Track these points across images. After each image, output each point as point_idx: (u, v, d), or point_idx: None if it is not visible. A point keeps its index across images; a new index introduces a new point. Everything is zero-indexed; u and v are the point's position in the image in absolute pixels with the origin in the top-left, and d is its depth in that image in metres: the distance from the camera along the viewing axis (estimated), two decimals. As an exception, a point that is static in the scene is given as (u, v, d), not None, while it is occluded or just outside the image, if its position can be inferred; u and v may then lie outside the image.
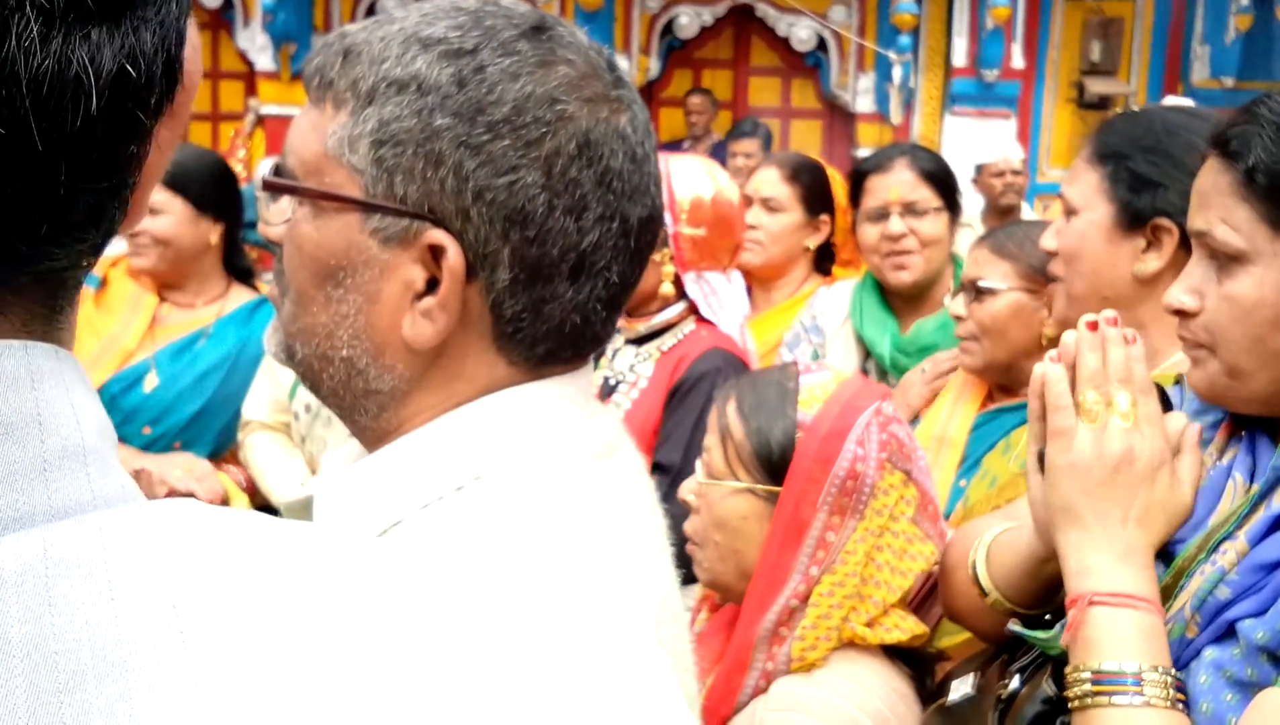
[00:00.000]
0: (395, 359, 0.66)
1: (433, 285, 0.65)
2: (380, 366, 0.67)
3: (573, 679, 0.35)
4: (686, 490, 1.19)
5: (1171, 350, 1.17)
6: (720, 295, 1.94)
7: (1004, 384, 1.75)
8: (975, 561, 1.07)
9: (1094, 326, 0.93)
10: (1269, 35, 6.76)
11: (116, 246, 3.37)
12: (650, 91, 7.41)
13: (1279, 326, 0.88)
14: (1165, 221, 1.26)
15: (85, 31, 0.31)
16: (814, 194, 2.38)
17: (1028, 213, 5.22)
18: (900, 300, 2.17)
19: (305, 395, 2.08)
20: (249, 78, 7.30)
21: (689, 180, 1.88)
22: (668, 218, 1.82)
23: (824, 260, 2.42)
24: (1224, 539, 0.87)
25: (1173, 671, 0.84)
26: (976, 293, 1.69)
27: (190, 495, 1.73)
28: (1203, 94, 6.46)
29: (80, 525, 0.32)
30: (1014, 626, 0.97)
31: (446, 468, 0.65)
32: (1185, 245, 1.25)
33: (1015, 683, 0.95)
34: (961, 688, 1.03)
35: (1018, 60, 6.99)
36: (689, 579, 1.25)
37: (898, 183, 2.10)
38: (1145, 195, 1.27)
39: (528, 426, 0.67)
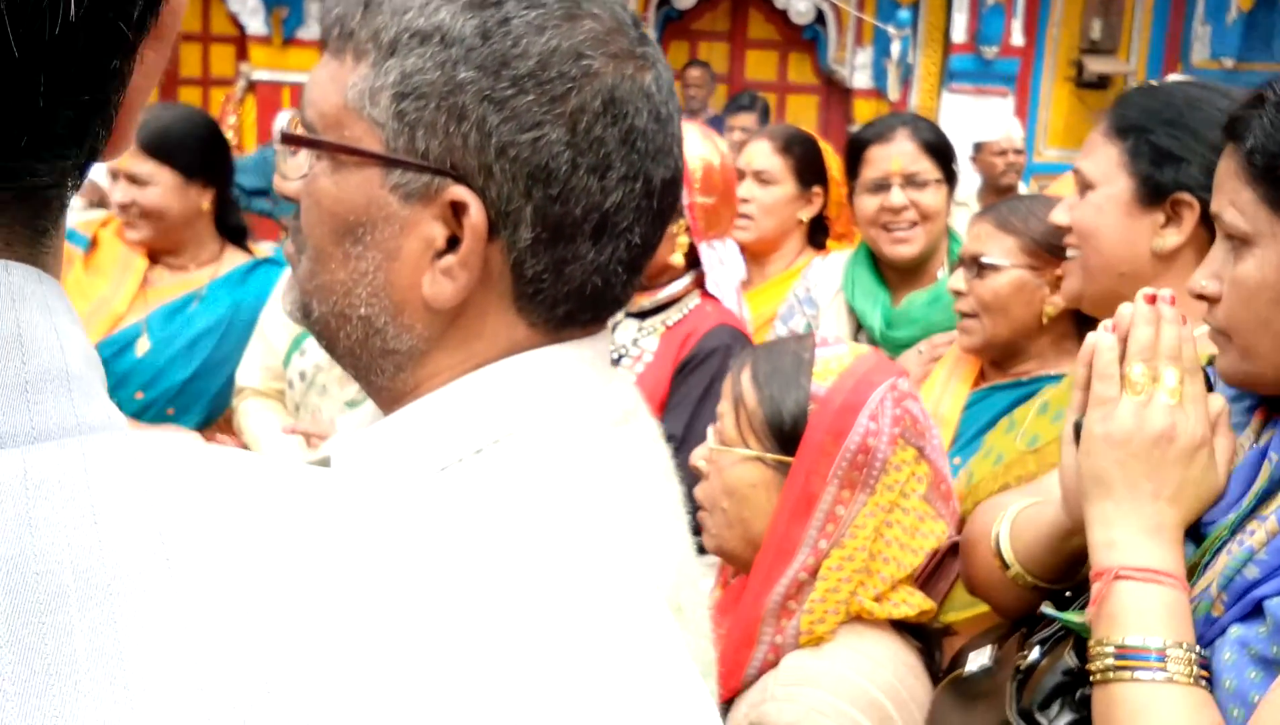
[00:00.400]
0: (414, 318, 0.65)
1: (453, 243, 0.64)
2: (399, 325, 0.66)
3: (580, 641, 0.35)
4: (697, 456, 1.19)
5: None
6: (726, 264, 1.93)
7: (998, 361, 1.74)
8: (999, 534, 1.06)
9: (1152, 300, 0.92)
10: (1270, 16, 6.75)
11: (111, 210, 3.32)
12: (646, 63, 7.34)
13: (1279, 307, 0.87)
14: (1186, 196, 1.24)
15: None
16: (806, 166, 2.38)
17: (1024, 192, 5.20)
18: (893, 273, 2.15)
19: (300, 363, 2.06)
20: (240, 42, 7.20)
21: (696, 148, 1.86)
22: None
23: (817, 233, 2.41)
24: (1249, 515, 0.86)
25: (1197, 648, 0.84)
26: (978, 268, 1.67)
27: None
28: (1203, 74, 6.44)
29: (62, 448, 0.31)
30: (1047, 609, 0.96)
31: (465, 431, 0.64)
32: (1206, 222, 1.24)
33: (1035, 654, 0.94)
34: (979, 659, 1.03)
35: (1017, 37, 6.96)
36: (700, 549, 1.25)
37: (899, 154, 2.07)
38: (1167, 169, 1.25)
39: (547, 390, 0.66)
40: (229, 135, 5.77)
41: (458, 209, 0.62)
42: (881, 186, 2.07)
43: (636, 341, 1.88)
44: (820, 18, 7.16)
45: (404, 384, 0.67)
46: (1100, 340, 0.92)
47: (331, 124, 0.64)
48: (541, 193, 0.62)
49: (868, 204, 2.10)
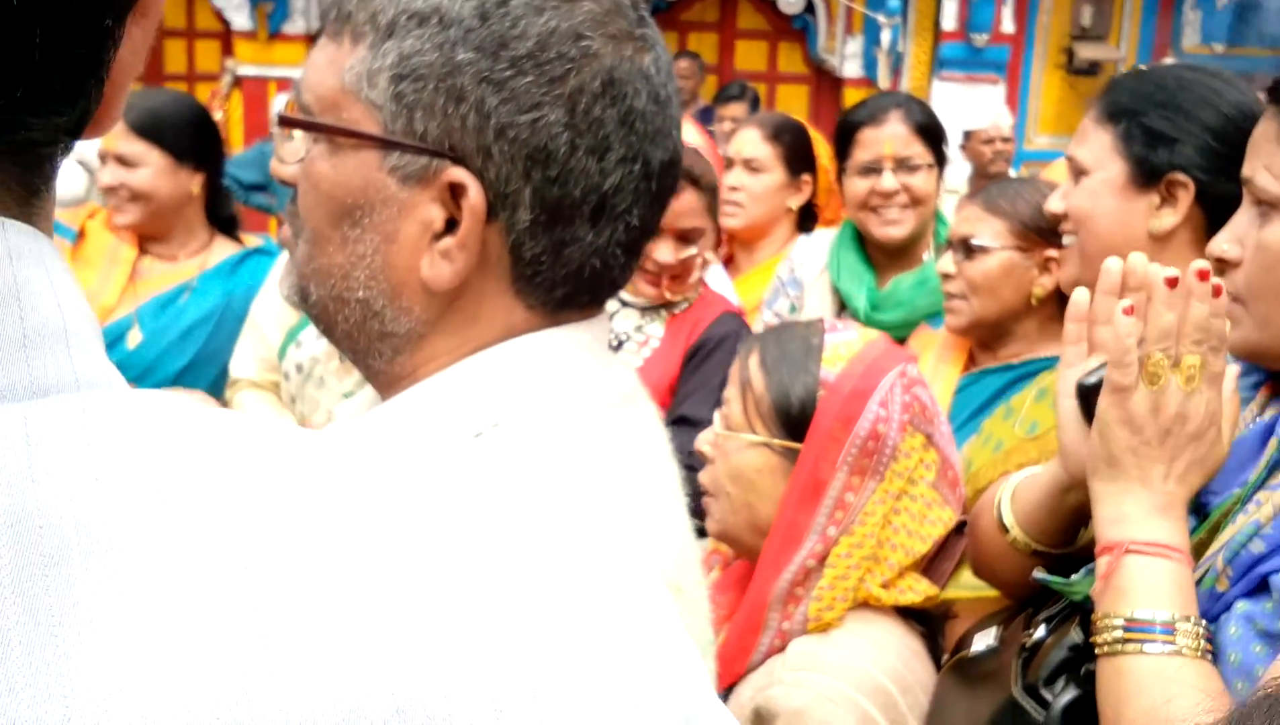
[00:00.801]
0: (412, 301, 0.65)
1: (451, 225, 0.63)
2: (397, 308, 0.65)
3: (574, 617, 0.35)
4: (703, 441, 1.18)
5: None
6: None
7: (986, 342, 1.73)
8: (1000, 499, 1.07)
9: (1173, 283, 0.90)
10: (1259, 2, 6.75)
11: (83, 188, 3.29)
12: (636, 54, 7.32)
13: None
14: (1180, 176, 1.24)
15: None
16: (796, 153, 2.38)
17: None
18: (879, 254, 2.13)
19: (296, 355, 2.05)
20: (225, 37, 7.16)
21: (690, 140, 1.87)
22: None
23: (806, 220, 2.41)
24: (1257, 489, 0.86)
25: (1203, 623, 0.84)
26: (967, 251, 1.68)
27: None
28: (1193, 59, 6.45)
29: (63, 403, 0.32)
30: (1039, 573, 0.97)
31: (464, 414, 0.64)
32: (1201, 201, 1.24)
33: (1041, 631, 0.94)
34: (985, 640, 1.03)
35: (1007, 25, 6.96)
36: (702, 533, 1.24)
37: (891, 137, 2.05)
38: (1161, 150, 1.25)
39: (546, 374, 0.66)
40: (217, 129, 5.75)
41: (456, 191, 0.62)
42: (873, 169, 2.05)
43: (640, 327, 1.88)
44: (810, 7, 7.15)
45: (402, 367, 0.67)
46: (1120, 323, 0.90)
47: (329, 106, 0.64)
48: (540, 174, 0.62)
49: (858, 186, 2.08)
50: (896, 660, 1.07)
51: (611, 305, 1.89)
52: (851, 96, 7.05)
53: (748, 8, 7.45)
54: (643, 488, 0.65)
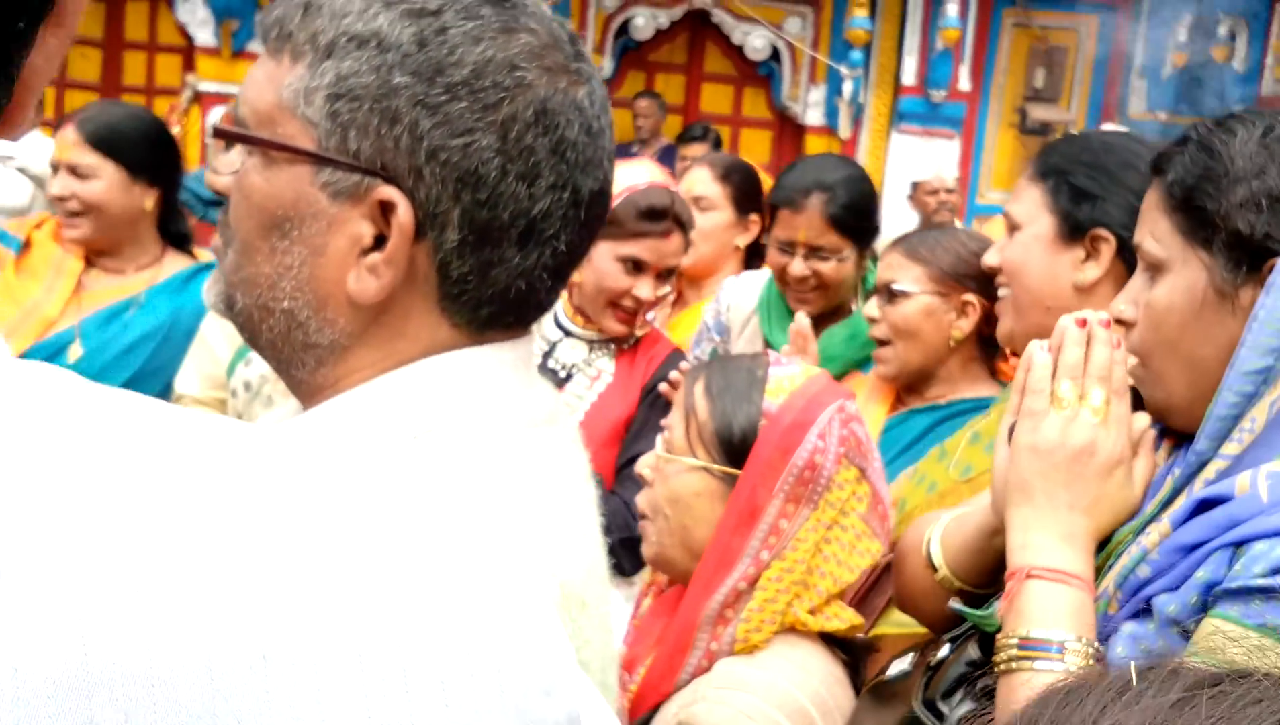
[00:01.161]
0: (337, 313, 0.67)
1: (380, 242, 0.65)
2: (321, 320, 0.67)
3: (441, 585, 0.35)
4: (644, 464, 1.21)
5: None
6: None
7: (913, 386, 1.79)
8: (930, 538, 1.11)
9: (1082, 323, 0.97)
10: (1204, 72, 7.03)
11: (28, 198, 3.22)
12: (603, 91, 7.40)
13: (1186, 330, 0.93)
14: (1103, 231, 1.31)
15: None
16: (744, 193, 2.43)
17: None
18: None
19: (245, 372, 2.03)
20: (188, 52, 7.10)
21: (655, 177, 1.90)
22: None
23: (753, 258, 2.44)
24: (1150, 522, 0.92)
25: (1095, 643, 0.89)
26: (890, 295, 1.74)
27: None
28: (1139, 125, 6.68)
29: None
30: (954, 603, 1.01)
31: (383, 426, 0.65)
32: (1123, 256, 1.30)
33: (945, 650, 0.98)
34: (900, 664, 1.06)
35: (964, 83, 7.16)
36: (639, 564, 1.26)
37: (806, 225, 2.03)
38: (1084, 206, 1.33)
39: (467, 390, 0.67)
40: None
41: (386, 208, 0.64)
42: (786, 250, 2.06)
43: (590, 362, 1.89)
44: (775, 55, 7.29)
45: (324, 378, 0.68)
46: (1035, 356, 0.97)
47: (265, 121, 0.66)
48: (470, 197, 0.64)
49: (775, 258, 2.10)
50: (819, 684, 1.10)
51: (555, 334, 1.91)
52: (813, 144, 7.19)
53: (715, 52, 7.58)
54: (552, 503, 0.66)
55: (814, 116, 7.33)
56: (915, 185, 5.16)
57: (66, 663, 0.30)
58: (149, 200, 2.08)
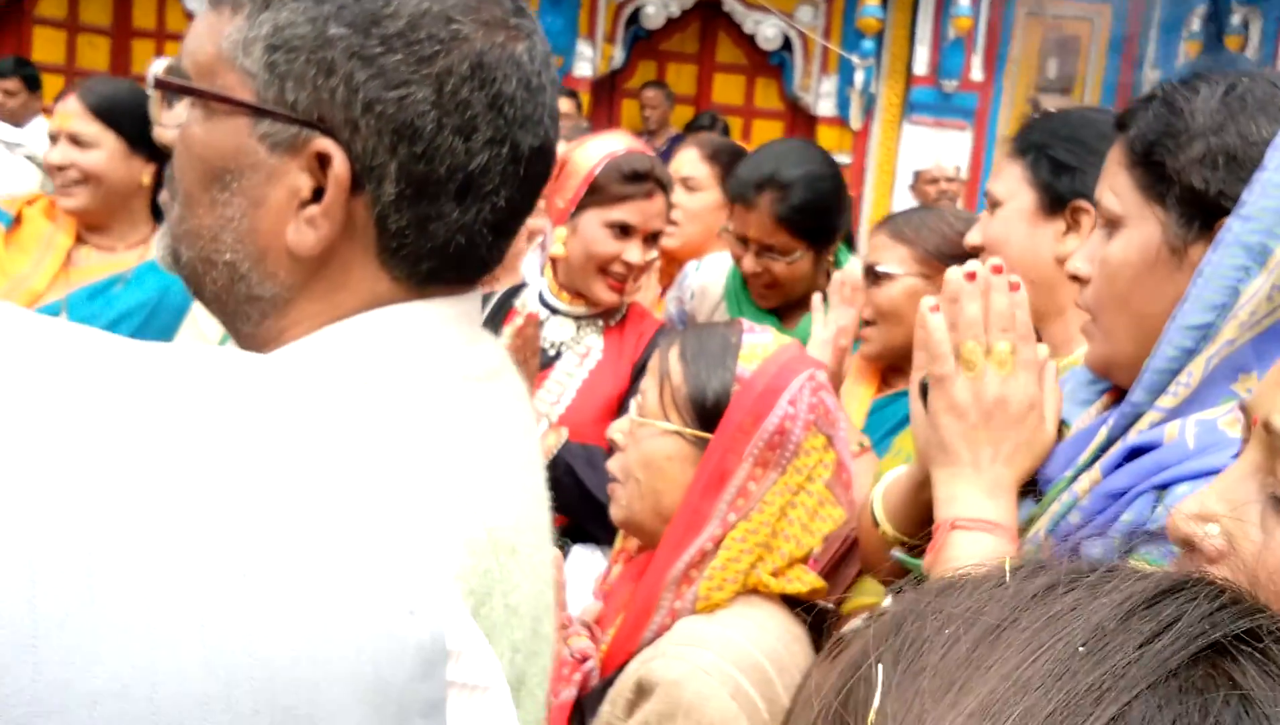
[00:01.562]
0: (278, 266, 0.68)
1: (319, 194, 0.66)
2: (263, 272, 0.68)
3: (331, 510, 0.37)
4: (615, 430, 1.23)
5: None
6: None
7: (898, 367, 1.79)
8: (873, 497, 1.14)
9: (972, 276, 0.98)
10: (1218, 62, 6.96)
11: (37, 185, 3.26)
12: (613, 81, 7.41)
13: (1137, 285, 0.94)
14: (1083, 202, 1.32)
15: None
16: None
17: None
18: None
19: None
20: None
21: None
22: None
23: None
24: (1082, 472, 0.93)
25: None
26: (874, 277, 1.74)
27: None
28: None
29: None
30: (896, 552, 1.04)
31: (319, 378, 0.66)
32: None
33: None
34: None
35: (977, 72, 7.12)
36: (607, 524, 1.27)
37: (757, 223, 1.97)
38: (1064, 178, 1.35)
39: (404, 343, 0.68)
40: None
41: (323, 160, 0.65)
42: (741, 243, 2.01)
43: (578, 339, 1.90)
44: (787, 44, 7.27)
45: (269, 331, 0.69)
46: (929, 321, 0.99)
47: (205, 72, 0.67)
48: (406, 150, 0.65)
49: (733, 249, 2.05)
50: (776, 642, 1.12)
51: (542, 313, 1.92)
52: (825, 135, 7.16)
53: (727, 42, 7.57)
54: (482, 454, 0.67)
55: (826, 107, 7.30)
56: (917, 174, 5.17)
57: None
58: (146, 175, 2.09)
